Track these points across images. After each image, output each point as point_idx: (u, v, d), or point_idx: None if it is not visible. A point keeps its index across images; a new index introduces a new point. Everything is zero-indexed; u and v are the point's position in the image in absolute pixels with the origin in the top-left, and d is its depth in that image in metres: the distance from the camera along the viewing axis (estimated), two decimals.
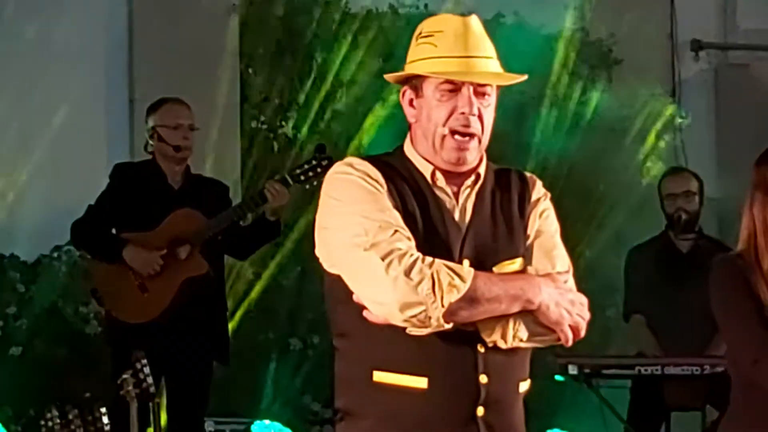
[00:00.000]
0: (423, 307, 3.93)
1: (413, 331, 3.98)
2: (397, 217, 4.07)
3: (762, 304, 5.06)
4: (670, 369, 8.00)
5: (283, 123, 10.68)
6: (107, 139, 10.24)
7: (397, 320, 3.96)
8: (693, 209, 8.64)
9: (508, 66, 4.26)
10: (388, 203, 4.10)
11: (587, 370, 8.06)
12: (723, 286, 5.21)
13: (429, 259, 3.99)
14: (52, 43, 10.18)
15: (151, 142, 8.24)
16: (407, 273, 3.96)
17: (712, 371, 7.69)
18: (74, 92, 10.09)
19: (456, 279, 3.97)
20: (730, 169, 9.63)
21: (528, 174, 4.36)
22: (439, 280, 3.96)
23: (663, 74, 11.79)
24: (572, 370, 8.03)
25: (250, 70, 10.83)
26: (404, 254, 3.98)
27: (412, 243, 4.04)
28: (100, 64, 10.41)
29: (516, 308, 4.02)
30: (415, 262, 3.97)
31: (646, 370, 8.07)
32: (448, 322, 3.95)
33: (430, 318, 3.94)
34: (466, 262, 4.10)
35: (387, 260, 3.98)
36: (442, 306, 3.92)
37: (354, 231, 4.02)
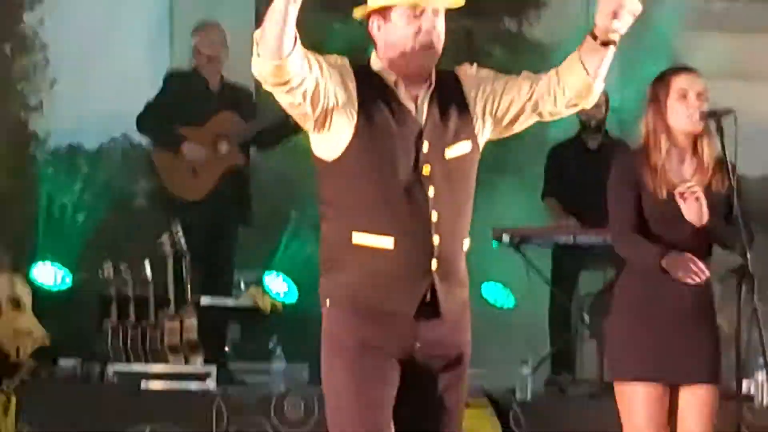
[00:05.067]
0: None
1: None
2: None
3: (641, 190, 5.46)
4: (580, 238, 8.43)
5: None
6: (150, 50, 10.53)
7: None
8: (600, 116, 8.89)
9: None
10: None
11: (517, 239, 8.48)
12: (614, 176, 5.60)
13: None
14: None
15: (195, 56, 8.77)
16: None
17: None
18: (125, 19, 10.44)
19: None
20: (629, 84, 9.59)
21: (457, 68, 4.34)
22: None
23: None
24: (505, 238, 8.42)
25: None
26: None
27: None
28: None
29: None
30: None
31: (560, 239, 8.57)
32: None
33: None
34: (425, 145, 4.13)
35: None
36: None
37: None
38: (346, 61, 4.20)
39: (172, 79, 8.96)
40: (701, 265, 5.38)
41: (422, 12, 4.15)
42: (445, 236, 4.12)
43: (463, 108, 4.24)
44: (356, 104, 4.13)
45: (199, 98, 8.69)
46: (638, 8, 3.99)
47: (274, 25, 3.80)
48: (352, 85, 4.14)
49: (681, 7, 10.92)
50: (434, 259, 4.10)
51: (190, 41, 8.97)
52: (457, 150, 4.20)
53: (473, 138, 4.24)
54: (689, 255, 5.38)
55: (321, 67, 4.04)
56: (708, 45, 10.38)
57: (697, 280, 5.37)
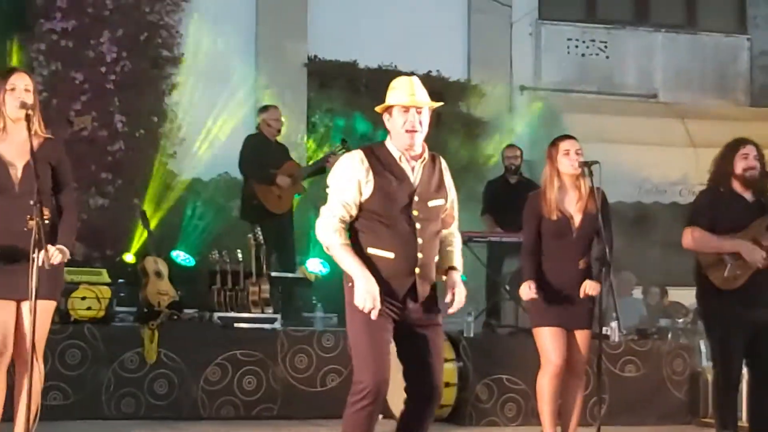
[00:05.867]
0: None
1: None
2: (352, 194, 4.07)
3: (541, 217, 5.46)
4: (504, 238, 8.43)
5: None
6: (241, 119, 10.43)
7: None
8: (517, 163, 9.14)
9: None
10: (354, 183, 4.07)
11: (466, 238, 7.83)
12: (526, 209, 5.61)
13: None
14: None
15: (261, 127, 8.74)
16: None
17: None
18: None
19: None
20: (539, 148, 9.10)
21: (440, 157, 4.29)
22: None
23: None
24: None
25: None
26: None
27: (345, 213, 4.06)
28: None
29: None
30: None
31: (492, 239, 8.57)
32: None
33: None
34: (416, 198, 4.11)
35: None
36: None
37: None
38: (358, 155, 4.15)
39: (250, 139, 8.80)
40: (534, 294, 5.42)
41: (408, 109, 4.14)
42: (425, 253, 4.12)
43: (442, 180, 4.25)
44: (372, 176, 4.10)
45: (269, 151, 8.60)
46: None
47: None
48: (366, 168, 4.10)
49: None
50: (417, 267, 4.11)
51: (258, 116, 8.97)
52: (436, 202, 4.20)
53: (445, 198, 4.25)
54: (530, 291, 5.42)
55: (351, 211, 4.10)
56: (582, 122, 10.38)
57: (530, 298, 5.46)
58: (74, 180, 4.70)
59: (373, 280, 4.03)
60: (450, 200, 4.28)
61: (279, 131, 8.72)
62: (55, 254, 4.34)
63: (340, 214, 4.08)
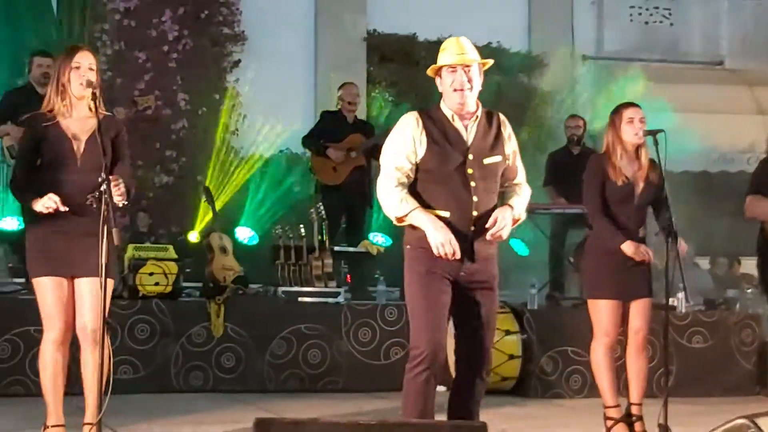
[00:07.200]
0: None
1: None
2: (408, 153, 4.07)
3: (606, 179, 5.33)
4: (567, 210, 8.34)
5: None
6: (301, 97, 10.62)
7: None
8: (580, 133, 8.90)
9: None
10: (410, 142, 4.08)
11: (528, 210, 8.47)
12: (588, 170, 5.49)
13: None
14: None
15: (340, 102, 8.69)
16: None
17: None
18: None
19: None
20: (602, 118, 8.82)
21: (500, 113, 4.25)
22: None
23: None
24: None
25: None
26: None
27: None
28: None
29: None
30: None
31: (555, 210, 8.52)
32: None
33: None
34: (470, 156, 4.08)
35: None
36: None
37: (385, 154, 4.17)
38: (413, 115, 4.16)
39: (324, 115, 8.91)
40: (644, 248, 5.29)
41: (456, 69, 4.12)
42: (480, 211, 4.08)
43: (499, 136, 4.19)
44: (425, 136, 4.09)
45: (340, 126, 8.60)
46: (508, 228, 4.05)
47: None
48: (420, 128, 4.10)
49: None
50: (473, 225, 4.07)
51: (335, 93, 8.87)
52: (492, 159, 4.14)
53: (503, 153, 4.18)
54: (639, 245, 5.28)
55: (408, 170, 4.08)
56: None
57: (642, 259, 5.29)
58: (139, 158, 4.72)
59: (443, 225, 3.99)
60: (509, 154, 4.21)
61: (353, 107, 8.68)
62: (120, 186, 4.22)
63: (398, 174, 4.08)
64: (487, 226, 4.05)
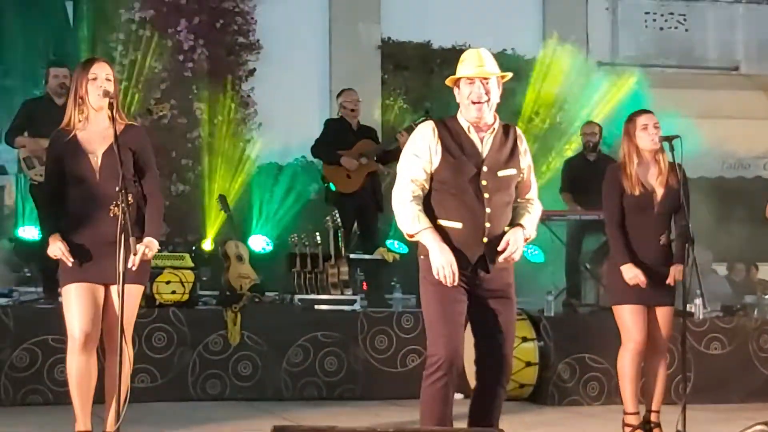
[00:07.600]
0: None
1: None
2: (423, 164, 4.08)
3: (623, 191, 5.37)
4: (583, 217, 8.17)
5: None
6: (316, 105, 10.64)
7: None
8: (595, 140, 8.76)
9: None
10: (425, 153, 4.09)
11: (545, 217, 7.73)
12: (606, 182, 5.52)
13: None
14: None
15: (341, 110, 8.65)
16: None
17: None
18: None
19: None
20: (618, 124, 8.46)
21: (516, 126, 4.28)
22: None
23: None
24: None
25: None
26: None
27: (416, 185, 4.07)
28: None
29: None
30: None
31: (571, 217, 8.34)
32: None
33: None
34: (485, 168, 4.09)
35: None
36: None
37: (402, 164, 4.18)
38: (430, 125, 4.16)
39: (328, 123, 8.89)
40: (642, 278, 5.29)
41: (474, 81, 4.14)
42: (493, 223, 4.09)
43: (515, 150, 4.19)
44: (441, 147, 4.09)
45: (346, 133, 8.59)
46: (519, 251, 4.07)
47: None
48: (436, 138, 4.10)
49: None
50: (485, 236, 4.08)
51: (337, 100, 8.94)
52: (506, 172, 4.15)
53: (518, 167, 4.19)
54: (638, 273, 5.29)
55: (423, 180, 4.08)
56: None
57: (636, 284, 5.30)
58: (157, 167, 4.77)
59: (447, 249, 3.99)
60: (524, 169, 4.22)
61: (356, 113, 8.68)
62: (141, 250, 4.36)
63: (413, 186, 4.08)
64: (499, 248, 4.05)
